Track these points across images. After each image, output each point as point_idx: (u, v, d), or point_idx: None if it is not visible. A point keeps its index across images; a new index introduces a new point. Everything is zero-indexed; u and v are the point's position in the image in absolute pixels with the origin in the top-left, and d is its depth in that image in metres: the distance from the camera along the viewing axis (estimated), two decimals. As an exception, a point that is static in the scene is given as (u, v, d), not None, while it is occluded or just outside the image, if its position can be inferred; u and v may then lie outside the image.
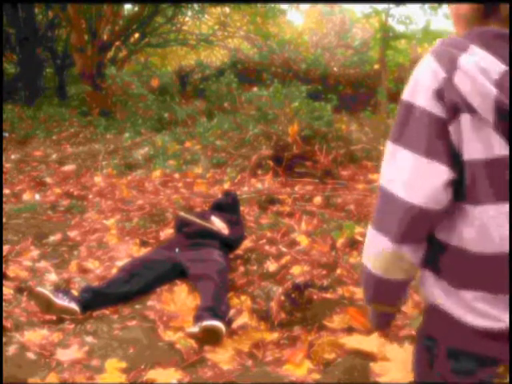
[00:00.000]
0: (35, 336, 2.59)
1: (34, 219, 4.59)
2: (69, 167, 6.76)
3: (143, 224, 4.43)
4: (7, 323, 2.68)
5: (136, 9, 13.22)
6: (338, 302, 2.93)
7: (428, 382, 1.23)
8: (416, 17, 27.12)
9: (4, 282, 3.18)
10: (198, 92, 12.04)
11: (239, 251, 3.78)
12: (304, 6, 20.30)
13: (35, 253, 3.84)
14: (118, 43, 13.10)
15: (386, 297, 1.21)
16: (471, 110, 0.99)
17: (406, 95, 1.06)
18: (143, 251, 3.83)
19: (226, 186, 5.69)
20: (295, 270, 3.37)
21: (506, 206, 1.01)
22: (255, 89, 8.88)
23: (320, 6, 20.08)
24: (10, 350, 2.43)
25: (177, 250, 3.39)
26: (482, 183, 1.02)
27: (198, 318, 2.68)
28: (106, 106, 10.84)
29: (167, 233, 4.22)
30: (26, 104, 11.70)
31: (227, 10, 15.25)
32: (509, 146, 1.00)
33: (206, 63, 14.68)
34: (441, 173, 1.01)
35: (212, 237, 3.50)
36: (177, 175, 6.21)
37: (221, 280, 3.03)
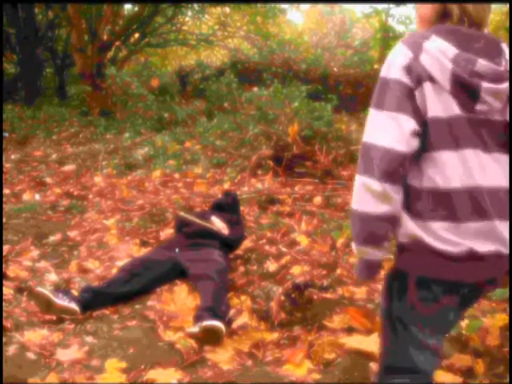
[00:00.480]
0: (35, 336, 2.59)
1: (34, 219, 4.59)
2: (69, 167, 6.76)
3: (143, 224, 4.43)
4: (7, 323, 2.68)
5: (136, 9, 13.23)
6: (338, 302, 2.93)
7: (393, 315, 1.49)
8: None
9: (4, 282, 3.17)
10: (197, 92, 12.02)
11: (239, 251, 3.78)
12: (304, 6, 20.30)
13: (35, 253, 3.84)
14: (118, 43, 13.10)
15: (374, 235, 1.42)
16: (432, 80, 1.35)
17: (383, 73, 1.40)
18: (143, 251, 3.83)
19: (226, 186, 5.69)
20: (295, 269, 3.37)
21: (462, 152, 1.37)
22: (255, 89, 8.86)
23: (320, 6, 20.08)
24: (10, 350, 2.43)
25: (177, 250, 3.39)
26: (444, 135, 1.37)
27: (197, 318, 2.68)
28: (106, 106, 10.84)
29: (167, 233, 4.22)
30: (26, 104, 11.71)
31: (227, 10, 15.25)
32: None
33: (206, 63, 14.66)
34: (409, 123, 1.34)
35: (212, 237, 3.50)
36: (177, 175, 6.21)
37: (221, 280, 3.03)
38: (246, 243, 3.90)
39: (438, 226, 1.37)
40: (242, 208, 4.36)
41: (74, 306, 2.81)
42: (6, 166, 6.69)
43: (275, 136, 6.44)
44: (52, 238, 4.14)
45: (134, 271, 3.14)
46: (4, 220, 4.41)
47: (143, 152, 7.16)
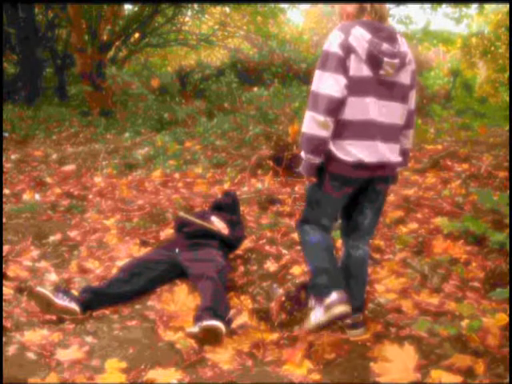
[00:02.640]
0: (35, 336, 2.59)
1: (34, 219, 4.59)
2: (69, 167, 6.76)
3: (143, 224, 4.43)
4: (7, 323, 2.68)
5: (136, 9, 13.22)
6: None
7: (315, 197, 2.47)
8: (416, 16, 27.13)
9: (4, 282, 3.18)
10: (197, 92, 12.02)
11: (239, 251, 3.78)
12: (304, 6, 20.29)
13: (35, 253, 3.84)
14: (118, 43, 13.10)
15: (315, 149, 2.30)
16: (355, 53, 2.23)
17: (326, 47, 2.27)
18: (143, 251, 3.83)
19: (226, 186, 5.69)
20: (295, 270, 3.37)
21: (365, 98, 2.27)
22: (255, 89, 8.87)
23: (320, 6, 20.06)
24: (10, 350, 2.43)
25: (177, 250, 3.39)
26: (357, 87, 2.25)
27: (197, 318, 2.68)
28: (106, 106, 10.84)
29: (167, 233, 4.22)
30: (25, 104, 11.69)
31: (227, 9, 15.25)
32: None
33: (206, 63, 14.66)
34: (342, 80, 2.23)
35: (212, 237, 3.50)
36: (177, 175, 6.21)
37: (220, 280, 3.02)
38: (246, 243, 3.90)
39: (346, 143, 2.30)
40: (242, 208, 4.35)
41: (74, 306, 2.81)
42: (6, 166, 6.69)
43: (275, 136, 6.44)
44: (52, 238, 4.15)
45: (134, 271, 3.14)
46: (4, 220, 4.41)
47: (143, 152, 7.16)
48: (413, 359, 2.32)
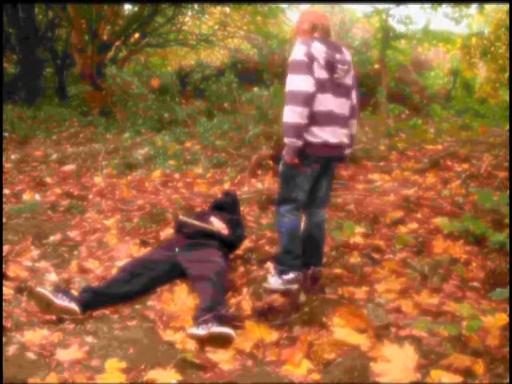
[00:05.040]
0: (35, 336, 2.59)
1: (34, 219, 4.59)
2: (69, 167, 6.76)
3: (143, 224, 4.43)
4: (7, 323, 2.68)
5: (136, 9, 13.21)
6: (338, 301, 2.93)
7: (291, 175, 3.08)
8: (416, 16, 27.11)
9: (4, 282, 3.18)
10: (198, 92, 12.00)
11: (239, 251, 3.78)
12: (304, 6, 20.24)
13: (35, 253, 3.84)
14: (118, 43, 13.09)
15: (297, 133, 2.92)
16: (317, 60, 2.94)
17: (293, 57, 2.97)
18: (143, 251, 3.83)
19: (226, 186, 5.69)
20: (295, 269, 3.36)
21: (326, 95, 2.99)
22: (255, 89, 8.85)
23: (320, 6, 20.05)
24: (10, 350, 2.43)
25: (177, 250, 3.39)
26: (319, 86, 2.95)
27: (202, 321, 2.67)
28: (106, 106, 10.82)
29: (167, 233, 4.22)
30: (26, 104, 11.69)
31: (227, 9, 15.24)
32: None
33: (206, 63, 14.63)
34: (311, 79, 2.92)
35: (212, 237, 3.50)
36: (177, 175, 6.21)
37: (219, 281, 3.02)
38: (246, 243, 3.90)
39: (314, 129, 2.97)
40: (242, 208, 4.35)
41: (73, 306, 2.81)
42: (6, 166, 6.69)
43: (275, 136, 6.44)
44: (52, 238, 4.15)
45: (134, 271, 3.14)
46: (4, 220, 4.41)
47: (143, 152, 7.16)
48: (413, 359, 2.32)
